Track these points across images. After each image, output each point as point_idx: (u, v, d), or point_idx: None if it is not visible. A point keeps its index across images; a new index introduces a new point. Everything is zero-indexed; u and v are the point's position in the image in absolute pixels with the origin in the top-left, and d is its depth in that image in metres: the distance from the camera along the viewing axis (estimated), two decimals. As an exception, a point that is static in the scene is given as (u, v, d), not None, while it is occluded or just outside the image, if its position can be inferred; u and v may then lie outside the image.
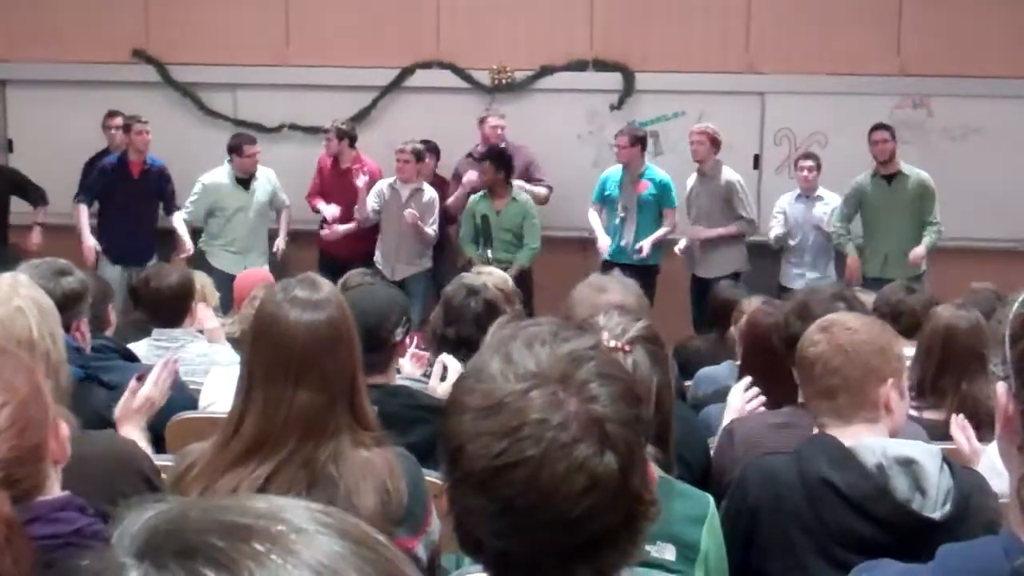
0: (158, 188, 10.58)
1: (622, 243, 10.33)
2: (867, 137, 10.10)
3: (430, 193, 10.55)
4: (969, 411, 4.60)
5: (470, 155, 10.75)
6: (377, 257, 10.66)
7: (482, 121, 10.81)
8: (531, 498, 1.54)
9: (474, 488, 1.58)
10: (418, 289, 10.30)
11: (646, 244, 10.21)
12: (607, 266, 9.76)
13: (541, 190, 10.67)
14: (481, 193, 10.29)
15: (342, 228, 10.70)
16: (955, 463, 2.95)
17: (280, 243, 10.80)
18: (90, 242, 10.36)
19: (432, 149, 10.99)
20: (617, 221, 10.36)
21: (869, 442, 2.94)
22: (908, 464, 2.85)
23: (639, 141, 10.39)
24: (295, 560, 0.81)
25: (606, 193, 10.46)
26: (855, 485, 2.85)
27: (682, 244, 10.49)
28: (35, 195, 10.64)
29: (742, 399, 4.41)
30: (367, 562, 0.84)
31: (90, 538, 2.15)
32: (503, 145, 10.62)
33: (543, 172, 10.82)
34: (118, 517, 0.90)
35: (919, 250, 9.84)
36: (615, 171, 10.49)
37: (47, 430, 2.23)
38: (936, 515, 2.75)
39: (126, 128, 10.42)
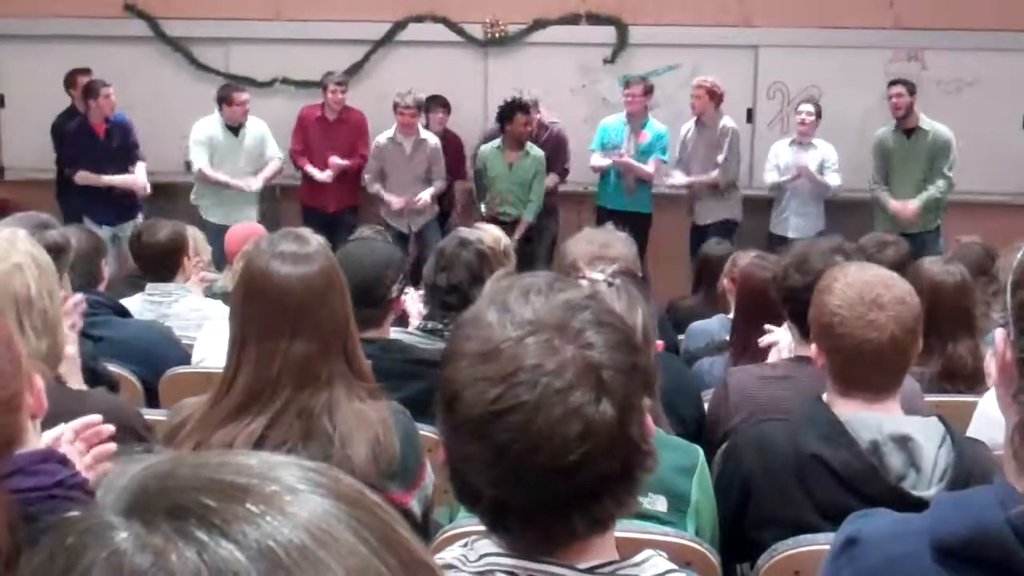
0: (125, 142, 10.48)
1: (624, 191, 10.40)
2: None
3: (432, 141, 10.53)
4: (956, 369, 4.60)
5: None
6: (384, 211, 10.66)
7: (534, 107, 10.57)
8: (526, 444, 1.54)
9: (470, 434, 1.59)
10: (433, 237, 10.28)
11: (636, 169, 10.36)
12: (601, 213, 9.94)
13: (552, 177, 10.64)
14: (496, 145, 10.28)
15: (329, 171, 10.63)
16: (960, 437, 2.91)
17: (255, 182, 10.48)
18: (130, 179, 10.35)
19: (443, 104, 11.01)
20: (619, 172, 10.40)
21: (865, 417, 2.88)
22: (904, 441, 2.81)
23: (650, 92, 10.51)
24: (289, 522, 0.79)
25: (607, 141, 10.49)
26: (847, 463, 2.81)
27: (675, 179, 10.55)
28: None
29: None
30: (361, 523, 0.83)
31: (73, 489, 2.15)
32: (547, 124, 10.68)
33: (565, 158, 10.78)
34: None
35: (910, 206, 9.95)
36: (615, 120, 10.53)
37: (21, 382, 2.21)
38: (928, 493, 2.72)
39: (90, 92, 10.22)
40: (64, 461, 2.22)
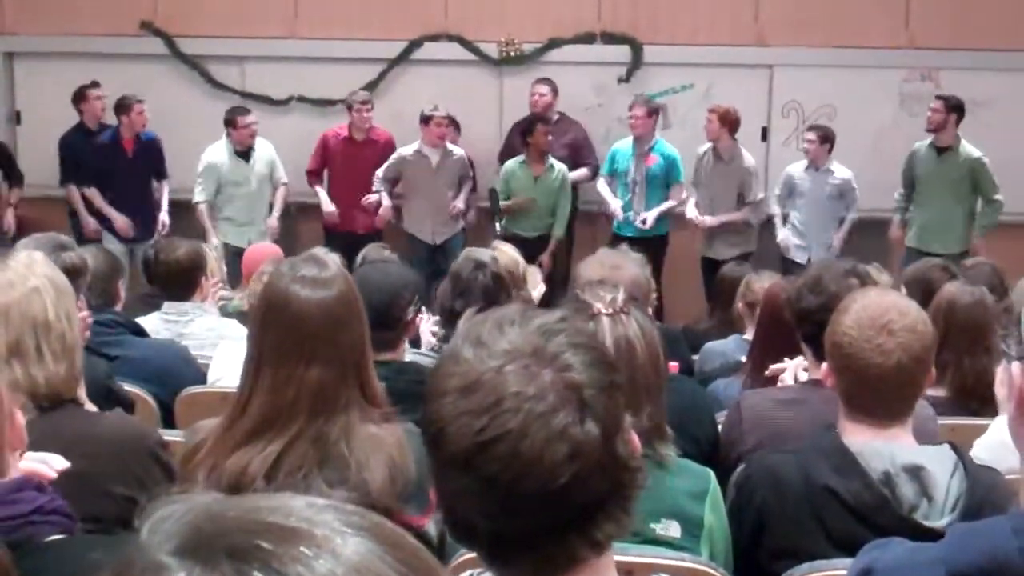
0: (152, 161, 10.69)
1: (631, 216, 10.35)
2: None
3: (458, 152, 10.58)
4: (969, 387, 4.61)
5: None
6: (408, 224, 10.68)
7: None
8: (514, 471, 1.55)
9: (458, 469, 1.59)
10: (458, 251, 10.33)
11: (649, 217, 10.27)
12: (616, 239, 9.80)
13: (582, 172, 10.74)
14: (520, 160, 10.33)
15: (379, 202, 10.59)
16: (971, 464, 2.92)
17: (273, 220, 10.62)
18: (90, 222, 10.58)
19: (453, 123, 11.00)
20: (628, 196, 10.39)
21: (877, 447, 2.89)
22: (916, 471, 2.82)
23: (654, 113, 10.46)
24: (341, 565, 0.83)
25: (615, 166, 10.48)
26: (858, 494, 2.82)
27: (692, 211, 10.49)
28: (14, 174, 10.68)
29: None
30: (403, 563, 0.87)
31: (51, 514, 2.17)
32: (555, 116, 10.74)
33: (590, 153, 10.87)
34: (142, 511, 0.90)
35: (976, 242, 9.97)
36: (625, 144, 10.49)
37: (3, 420, 2.22)
38: (941, 523, 2.73)
39: (123, 108, 10.42)
40: (40, 488, 2.23)
